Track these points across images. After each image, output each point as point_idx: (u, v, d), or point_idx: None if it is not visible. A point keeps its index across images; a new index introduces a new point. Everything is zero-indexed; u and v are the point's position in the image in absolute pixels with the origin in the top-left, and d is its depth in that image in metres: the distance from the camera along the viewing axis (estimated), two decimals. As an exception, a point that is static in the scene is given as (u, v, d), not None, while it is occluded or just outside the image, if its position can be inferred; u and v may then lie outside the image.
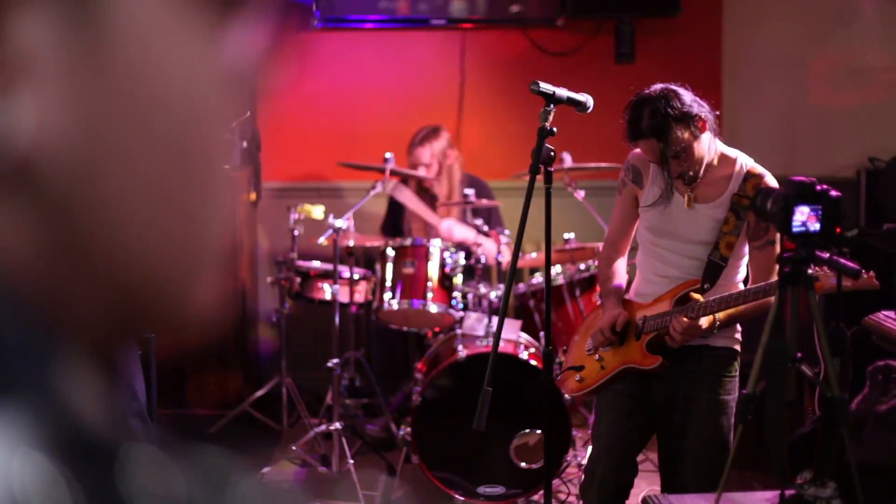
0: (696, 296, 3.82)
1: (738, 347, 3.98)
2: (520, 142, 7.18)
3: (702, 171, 3.88)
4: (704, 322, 3.76)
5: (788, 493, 3.15)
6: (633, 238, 4.21)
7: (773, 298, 3.79)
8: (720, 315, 3.79)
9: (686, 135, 3.79)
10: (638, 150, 4.05)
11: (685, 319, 3.73)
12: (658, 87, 3.85)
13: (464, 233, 6.38)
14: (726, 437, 3.91)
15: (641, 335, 3.93)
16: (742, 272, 3.96)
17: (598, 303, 5.46)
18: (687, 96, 3.82)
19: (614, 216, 4.20)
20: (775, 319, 2.90)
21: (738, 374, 3.96)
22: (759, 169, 3.92)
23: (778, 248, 3.87)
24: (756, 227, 3.86)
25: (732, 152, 3.96)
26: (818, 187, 2.93)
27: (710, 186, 3.92)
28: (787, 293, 2.90)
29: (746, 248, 3.95)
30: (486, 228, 6.21)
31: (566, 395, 5.54)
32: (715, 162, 3.91)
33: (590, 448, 5.62)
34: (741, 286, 3.92)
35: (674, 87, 3.84)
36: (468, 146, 6.90)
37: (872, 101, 7.42)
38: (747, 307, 3.79)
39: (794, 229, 2.93)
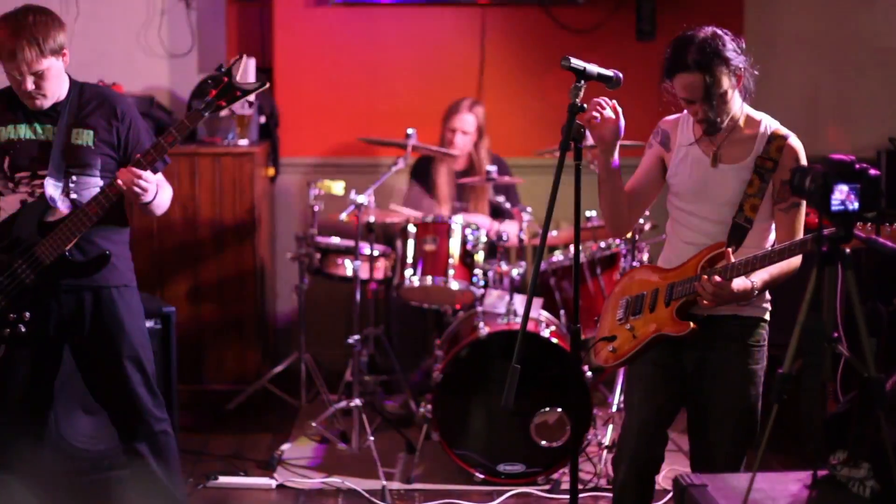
0: (730, 253, 3.76)
1: (766, 316, 3.95)
2: (540, 119, 7.16)
3: (725, 123, 3.84)
4: (737, 284, 3.72)
5: (821, 473, 3.13)
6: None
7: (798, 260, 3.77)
8: (756, 281, 3.75)
9: (728, 81, 3.78)
10: (669, 118, 4.03)
11: (716, 278, 3.70)
12: (709, 28, 3.82)
13: (479, 221, 6.36)
14: (754, 406, 3.90)
15: (671, 302, 3.90)
16: (772, 236, 3.92)
17: (617, 279, 5.44)
18: (732, 45, 3.80)
19: (638, 170, 4.15)
20: (812, 298, 2.87)
21: (766, 342, 3.94)
22: (783, 130, 3.88)
23: (804, 211, 3.85)
24: (781, 189, 3.82)
25: (757, 114, 3.93)
26: (857, 166, 2.90)
27: (735, 147, 3.89)
28: (825, 272, 2.87)
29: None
30: (507, 205, 6.19)
31: (588, 373, 5.54)
32: (741, 122, 3.89)
33: (610, 427, 5.62)
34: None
35: (721, 32, 3.81)
36: (488, 123, 6.86)
37: (893, 82, 7.38)
38: (780, 270, 3.77)
39: (833, 208, 2.90)
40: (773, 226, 3.91)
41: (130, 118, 4.37)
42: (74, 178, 4.25)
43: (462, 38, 7.41)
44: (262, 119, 7.13)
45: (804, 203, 3.84)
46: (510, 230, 6.14)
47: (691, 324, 3.83)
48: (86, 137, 4.27)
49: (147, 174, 4.15)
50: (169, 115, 6.96)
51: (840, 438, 3.10)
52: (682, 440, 4.84)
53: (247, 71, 6.87)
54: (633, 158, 6.06)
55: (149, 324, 5.38)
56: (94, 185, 4.27)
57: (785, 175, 3.77)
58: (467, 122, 6.67)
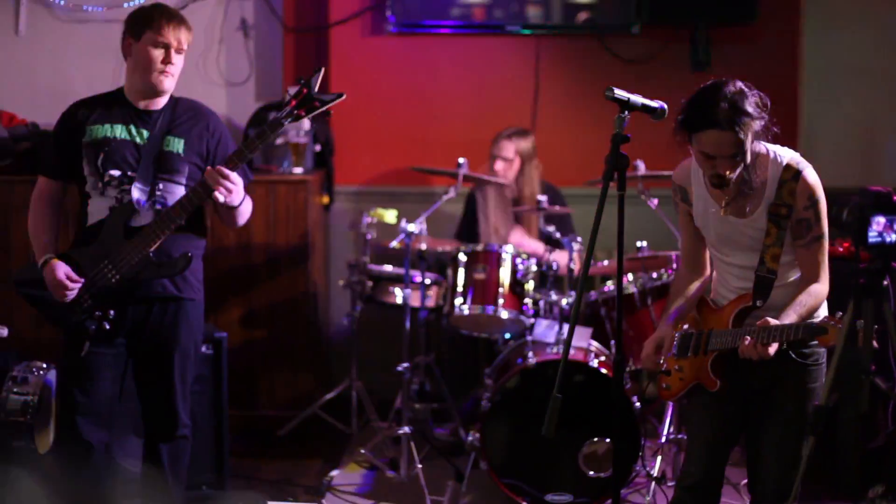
0: (772, 321, 3.72)
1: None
2: (593, 149, 7.11)
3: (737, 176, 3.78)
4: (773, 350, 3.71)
5: (860, 507, 3.11)
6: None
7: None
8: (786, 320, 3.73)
9: (751, 139, 3.70)
10: (679, 170, 4.01)
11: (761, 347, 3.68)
12: (738, 83, 3.73)
13: (532, 246, 6.37)
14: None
15: (708, 352, 3.90)
16: (796, 275, 3.88)
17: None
18: (756, 100, 3.74)
19: (681, 232, 4.16)
20: (849, 331, 2.86)
21: (824, 359, 3.87)
22: (795, 164, 3.77)
23: (826, 243, 3.79)
24: (798, 226, 3.76)
25: (763, 149, 3.82)
26: (895, 197, 2.89)
27: (748, 198, 3.82)
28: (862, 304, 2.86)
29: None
30: (557, 235, 6.19)
31: (636, 404, 5.52)
32: (752, 167, 3.77)
33: (659, 458, 5.59)
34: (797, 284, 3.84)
35: (746, 88, 3.75)
36: (541, 152, 6.87)
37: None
38: (808, 309, 3.74)
39: (871, 240, 2.89)
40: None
41: (220, 133, 4.59)
42: (161, 185, 4.43)
43: (516, 68, 7.43)
44: (318, 147, 7.19)
45: (826, 236, 3.78)
46: (560, 260, 6.13)
47: (718, 381, 3.87)
48: (177, 145, 4.46)
49: (234, 175, 4.30)
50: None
51: (878, 472, 3.08)
52: (730, 472, 4.80)
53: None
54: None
55: (201, 349, 5.45)
56: (179, 193, 4.44)
57: (801, 214, 3.74)
58: (506, 148, 6.68)
